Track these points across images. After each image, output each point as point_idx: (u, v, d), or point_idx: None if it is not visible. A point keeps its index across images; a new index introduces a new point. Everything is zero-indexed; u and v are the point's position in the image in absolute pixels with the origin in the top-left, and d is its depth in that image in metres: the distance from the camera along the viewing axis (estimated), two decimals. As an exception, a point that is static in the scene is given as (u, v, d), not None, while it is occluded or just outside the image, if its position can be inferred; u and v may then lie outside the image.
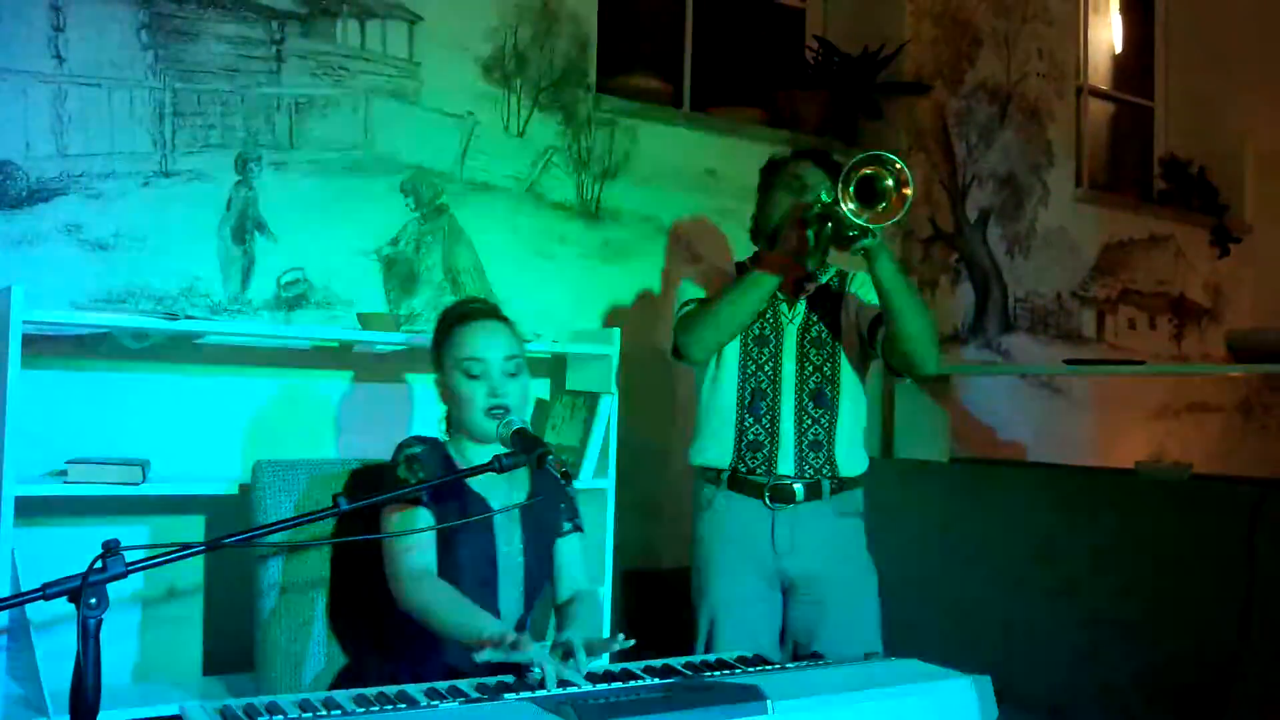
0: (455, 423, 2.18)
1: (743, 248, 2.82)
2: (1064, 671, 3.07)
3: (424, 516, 2.06)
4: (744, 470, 2.60)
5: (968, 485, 3.57)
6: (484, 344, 2.13)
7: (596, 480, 3.16)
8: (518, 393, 2.12)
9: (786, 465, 2.58)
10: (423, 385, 3.25)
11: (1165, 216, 5.50)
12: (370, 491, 2.14)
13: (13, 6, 2.73)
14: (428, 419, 3.25)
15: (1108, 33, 5.62)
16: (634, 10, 4.12)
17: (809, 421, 2.60)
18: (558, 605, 2.21)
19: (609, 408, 3.17)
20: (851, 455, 2.63)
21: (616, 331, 3.22)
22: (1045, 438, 4.66)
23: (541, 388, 3.49)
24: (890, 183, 2.31)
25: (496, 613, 2.06)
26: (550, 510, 2.22)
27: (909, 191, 2.30)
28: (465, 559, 2.08)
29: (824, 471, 2.59)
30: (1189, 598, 2.88)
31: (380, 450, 3.05)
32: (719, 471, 2.63)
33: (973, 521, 3.40)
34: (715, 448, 2.64)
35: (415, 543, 2.03)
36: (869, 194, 2.31)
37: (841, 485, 2.62)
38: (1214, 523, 2.89)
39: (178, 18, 2.92)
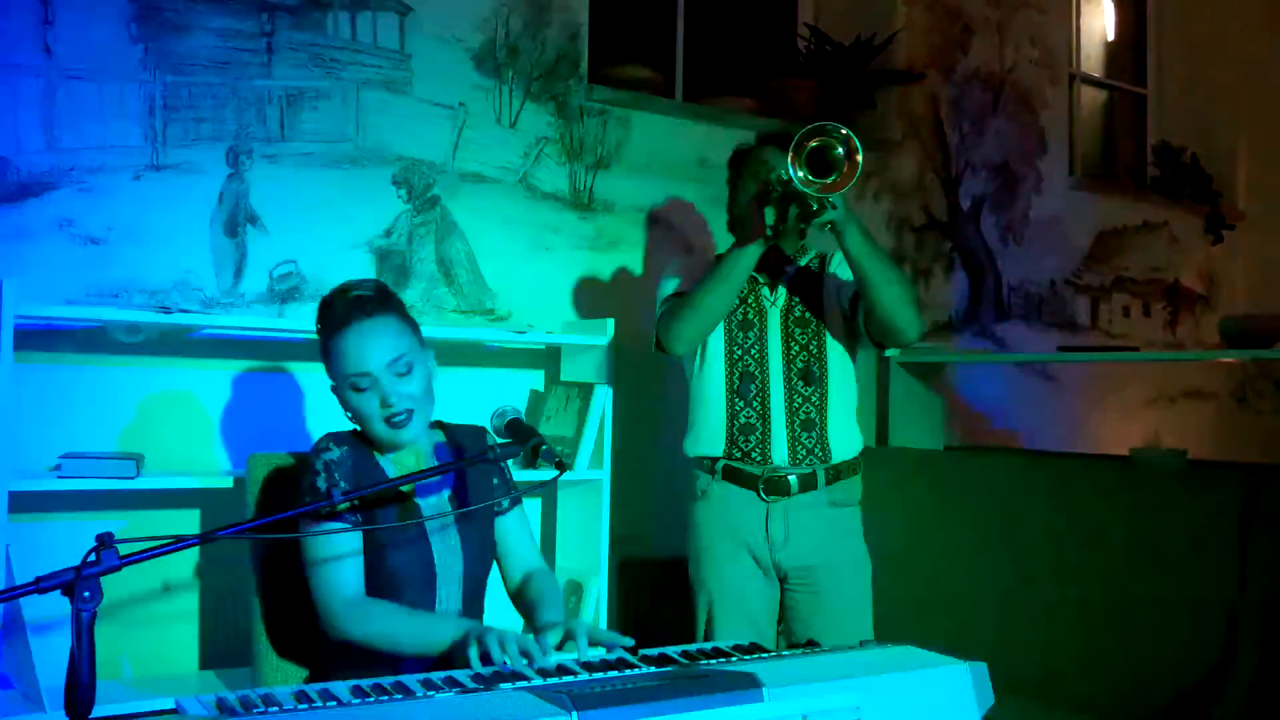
0: (362, 431, 2.03)
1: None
2: (1060, 658, 3.08)
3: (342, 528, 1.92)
4: (738, 457, 2.60)
5: (963, 473, 3.57)
6: (365, 354, 1.93)
7: (592, 471, 3.16)
8: (414, 390, 1.96)
9: (780, 450, 2.57)
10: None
11: (1159, 203, 5.50)
12: (287, 491, 2.10)
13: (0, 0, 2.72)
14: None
15: (1100, 19, 5.62)
16: (625, -1, 4.12)
17: (800, 400, 2.59)
18: (512, 592, 2.11)
19: (604, 398, 3.17)
20: (845, 435, 2.62)
21: (610, 322, 3.21)
22: (1040, 425, 4.66)
23: (536, 379, 3.49)
24: (840, 151, 2.30)
25: None
26: (484, 493, 2.07)
27: (859, 158, 2.29)
28: (400, 566, 1.95)
29: (817, 454, 2.58)
30: (1184, 583, 2.89)
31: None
32: (713, 460, 2.63)
33: (968, 509, 3.40)
34: (708, 436, 2.64)
35: (339, 563, 1.90)
36: (822, 166, 2.31)
37: (837, 474, 2.61)
38: (1209, 508, 2.89)
39: (167, 10, 2.91)
